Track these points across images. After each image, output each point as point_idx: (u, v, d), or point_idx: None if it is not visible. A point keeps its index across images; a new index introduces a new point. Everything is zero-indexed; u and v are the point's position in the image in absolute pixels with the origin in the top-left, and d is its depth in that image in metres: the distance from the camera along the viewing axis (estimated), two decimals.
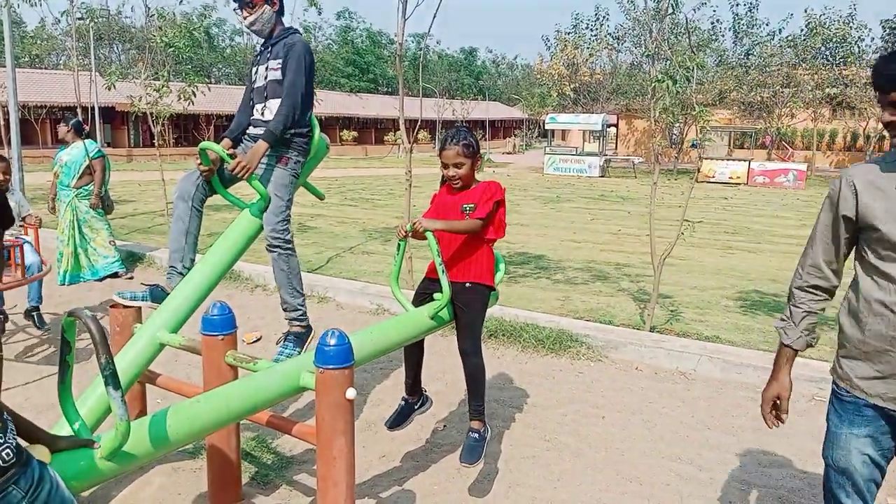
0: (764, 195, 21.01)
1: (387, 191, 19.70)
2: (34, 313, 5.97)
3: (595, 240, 11.33)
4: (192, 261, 3.56)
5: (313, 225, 12.45)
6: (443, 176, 3.45)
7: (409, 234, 3.20)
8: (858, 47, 30.40)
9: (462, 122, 22.77)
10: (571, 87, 35.01)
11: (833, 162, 35.24)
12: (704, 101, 26.97)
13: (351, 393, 2.46)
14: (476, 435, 3.26)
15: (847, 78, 28.68)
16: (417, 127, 9.41)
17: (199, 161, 3.48)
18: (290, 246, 3.60)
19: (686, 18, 6.82)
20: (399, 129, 7.59)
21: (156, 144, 10.58)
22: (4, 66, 10.60)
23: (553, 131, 31.46)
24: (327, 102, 38.35)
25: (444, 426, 4.21)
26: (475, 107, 41.43)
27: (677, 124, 26.56)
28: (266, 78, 3.64)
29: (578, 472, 3.64)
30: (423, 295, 3.38)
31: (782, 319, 2.25)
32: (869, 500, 2.11)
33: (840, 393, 2.12)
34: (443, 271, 3.14)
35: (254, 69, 3.76)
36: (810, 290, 2.19)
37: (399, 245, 3.37)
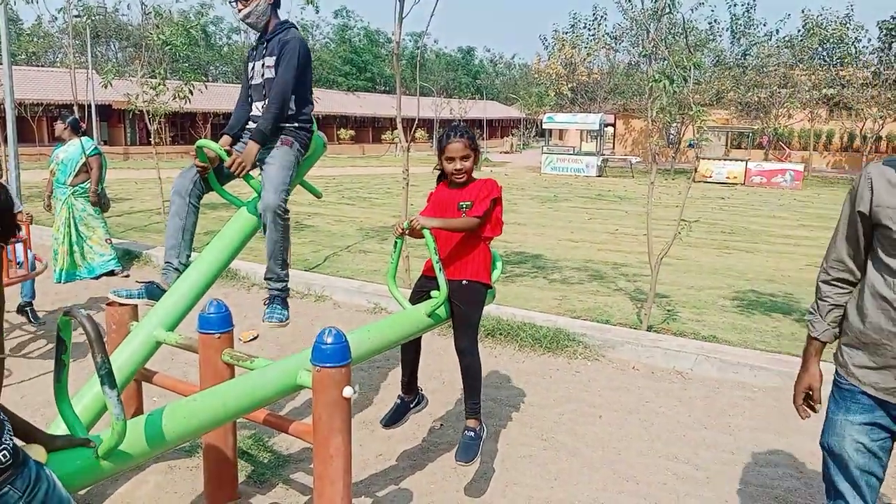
0: (761, 195, 21.04)
1: (384, 189, 19.69)
2: (27, 308, 5.98)
3: (592, 239, 11.34)
4: (189, 257, 3.55)
5: (310, 224, 12.43)
6: (439, 174, 3.45)
7: (407, 232, 3.20)
8: (855, 48, 30.45)
9: (460, 120, 22.77)
10: (569, 86, 34.99)
11: (830, 162, 35.32)
12: (702, 101, 27.01)
13: (348, 391, 2.46)
14: (472, 433, 3.25)
15: (844, 79, 28.74)
16: (415, 126, 9.42)
17: (195, 158, 3.48)
18: (287, 217, 3.55)
19: (683, 18, 6.83)
20: (396, 128, 7.58)
21: (152, 142, 10.56)
22: (1, 64, 10.57)
23: (550, 131, 31.48)
24: (324, 101, 38.31)
25: (441, 425, 4.21)
26: (473, 106, 41.43)
27: (674, 124, 26.59)
28: (263, 76, 3.63)
29: (575, 472, 3.64)
30: (421, 293, 3.38)
31: (810, 312, 2.30)
32: (865, 491, 2.12)
33: (839, 380, 2.18)
34: (440, 269, 3.14)
35: (249, 65, 3.74)
36: (835, 283, 2.22)
37: (396, 243, 3.37)
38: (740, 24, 33.79)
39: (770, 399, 4.64)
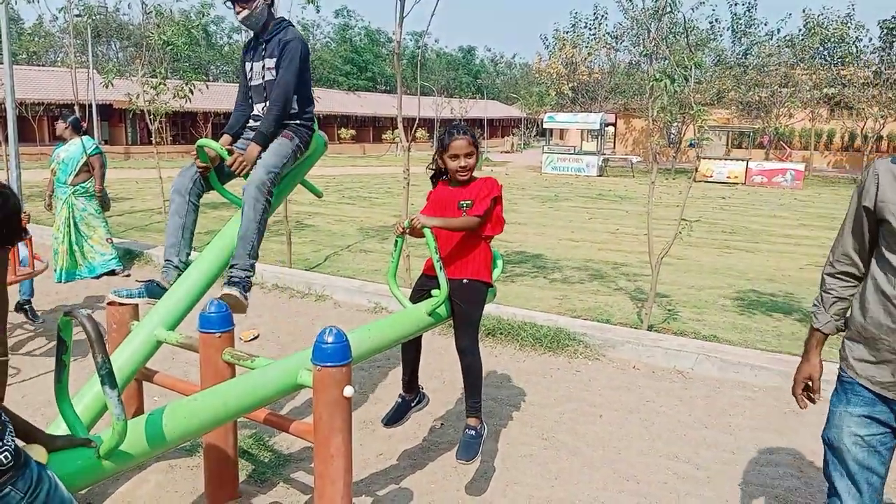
0: (762, 195, 21.03)
1: (385, 189, 19.69)
2: (26, 307, 5.99)
3: (593, 239, 11.34)
4: (189, 255, 3.55)
5: (311, 223, 12.44)
6: (434, 174, 3.45)
7: (407, 231, 3.20)
8: (856, 47, 30.43)
9: (460, 120, 22.78)
10: (570, 86, 34.99)
11: (831, 162, 35.29)
12: (702, 100, 26.98)
13: (348, 390, 2.46)
14: (473, 432, 3.26)
15: (845, 78, 28.70)
16: (416, 125, 9.41)
17: (196, 157, 3.48)
18: (269, 199, 3.43)
19: (684, 17, 6.83)
20: (397, 128, 7.58)
21: (153, 142, 10.56)
22: (2, 64, 10.57)
23: (551, 130, 31.48)
24: (325, 101, 38.32)
25: (442, 424, 4.21)
26: (473, 105, 41.45)
27: (675, 124, 26.58)
28: (263, 77, 3.63)
29: (576, 471, 3.64)
30: (421, 292, 3.38)
31: (814, 304, 2.32)
32: (864, 488, 2.11)
33: (841, 374, 2.20)
34: (440, 268, 3.14)
35: (247, 65, 3.72)
36: (840, 276, 2.24)
37: (396, 242, 3.37)
38: (741, 24, 33.75)
39: (771, 399, 4.63)
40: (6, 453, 1.64)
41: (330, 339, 2.45)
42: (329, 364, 2.44)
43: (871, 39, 31.17)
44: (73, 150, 7.22)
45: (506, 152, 44.71)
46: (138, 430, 2.23)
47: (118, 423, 2.02)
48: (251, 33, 3.72)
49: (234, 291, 3.27)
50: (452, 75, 62.66)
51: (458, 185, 3.32)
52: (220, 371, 2.92)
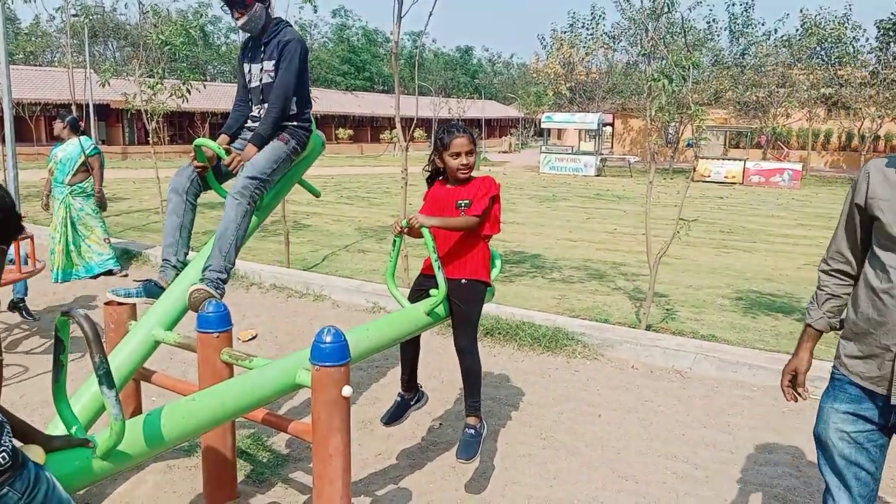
0: (759, 195, 21.06)
1: (383, 189, 19.69)
2: (20, 305, 5.98)
3: (591, 238, 11.34)
4: (186, 255, 3.54)
5: (309, 223, 12.43)
6: (432, 173, 3.44)
7: (405, 231, 3.20)
8: (853, 48, 30.49)
9: (458, 120, 22.76)
10: (567, 85, 35.02)
11: (828, 162, 35.36)
12: (700, 100, 27.01)
13: (347, 390, 2.46)
14: (472, 431, 3.25)
15: (842, 78, 28.76)
16: (414, 125, 9.41)
17: (193, 157, 3.47)
18: (253, 205, 3.38)
19: (682, 17, 6.82)
20: (395, 128, 7.57)
21: (150, 142, 10.55)
22: None
23: (549, 130, 31.48)
24: (323, 101, 38.30)
25: (440, 424, 4.20)
26: (471, 105, 41.45)
27: (673, 123, 26.60)
28: (262, 80, 3.61)
29: (574, 471, 3.64)
30: (419, 291, 3.38)
31: (810, 301, 2.35)
32: (852, 483, 2.13)
33: (833, 371, 2.24)
34: (439, 267, 3.14)
35: (245, 66, 3.70)
36: (834, 273, 2.28)
37: (395, 242, 3.36)
38: (739, 24, 33.81)
39: (769, 398, 4.64)
40: (3, 454, 1.63)
41: (328, 339, 2.44)
42: (327, 364, 2.43)
43: (867, 39, 31.25)
44: (71, 149, 7.21)
45: (503, 152, 44.73)
46: (136, 431, 2.22)
47: (116, 424, 2.01)
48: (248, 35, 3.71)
49: (204, 286, 3.15)
50: (450, 75, 62.67)
51: (455, 185, 3.32)
52: (218, 371, 2.92)
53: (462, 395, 3.40)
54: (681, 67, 5.67)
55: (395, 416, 3.53)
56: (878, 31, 29.93)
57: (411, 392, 3.56)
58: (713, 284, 7.99)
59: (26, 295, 6.03)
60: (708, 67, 31.73)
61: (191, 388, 3.12)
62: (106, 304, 3.37)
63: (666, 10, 6.19)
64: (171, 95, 9.50)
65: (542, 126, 31.03)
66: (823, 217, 15.18)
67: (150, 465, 3.53)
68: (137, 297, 3.35)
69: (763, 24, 40.30)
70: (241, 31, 3.63)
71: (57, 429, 2.46)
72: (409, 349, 3.45)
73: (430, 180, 3.48)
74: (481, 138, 42.93)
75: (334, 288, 7.15)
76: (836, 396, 2.19)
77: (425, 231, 3.12)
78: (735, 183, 24.66)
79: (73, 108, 12.59)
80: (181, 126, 36.02)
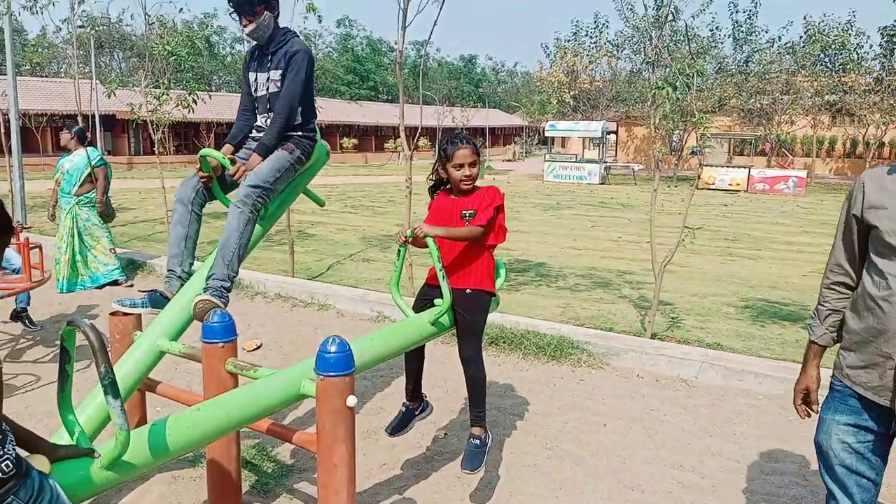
0: (764, 202, 21.02)
1: (387, 198, 19.72)
2: (23, 314, 6.00)
3: (595, 247, 11.33)
4: (192, 265, 3.55)
5: (313, 232, 12.45)
6: (433, 185, 3.45)
7: (410, 241, 3.20)
8: (857, 54, 30.45)
9: (462, 129, 22.82)
10: (571, 94, 35.09)
11: (832, 169, 35.30)
12: (704, 108, 27.04)
13: (352, 400, 2.45)
14: (477, 441, 3.25)
15: (846, 85, 28.75)
16: (418, 134, 9.42)
17: (199, 167, 3.48)
18: (256, 214, 3.39)
19: (686, 25, 6.83)
20: (399, 137, 7.59)
21: (156, 152, 10.59)
22: (5, 74, 10.63)
23: (553, 138, 31.58)
24: (327, 110, 38.45)
25: (445, 434, 4.19)
26: (475, 114, 41.56)
27: (677, 131, 26.60)
28: (268, 89, 3.63)
29: (580, 480, 3.62)
30: (424, 301, 3.38)
31: (811, 317, 2.36)
32: (854, 490, 2.15)
33: (834, 382, 2.24)
34: (443, 277, 3.14)
35: (251, 75, 3.70)
36: (834, 287, 2.28)
37: (399, 251, 3.37)
38: (742, 31, 33.82)
39: (775, 407, 4.61)
40: (7, 462, 1.63)
41: (333, 349, 2.44)
42: (332, 374, 2.43)
43: (871, 46, 31.16)
44: (78, 160, 7.24)
45: (508, 161, 44.78)
46: (141, 441, 2.22)
47: (121, 434, 2.01)
48: (254, 43, 3.73)
49: (208, 296, 3.16)
50: (454, 84, 62.89)
51: (459, 195, 3.32)
52: (222, 381, 2.92)
53: (467, 405, 3.40)
54: (685, 75, 5.67)
55: (399, 426, 3.52)
56: (882, 38, 29.87)
57: (416, 402, 3.55)
58: (718, 292, 7.97)
59: (29, 304, 6.05)
60: (712, 75, 31.76)
61: (195, 398, 3.12)
62: (111, 314, 3.37)
63: (671, 18, 6.19)
64: (177, 106, 9.54)
65: (546, 134, 31.11)
66: (828, 224, 15.13)
67: (155, 475, 3.52)
68: (143, 307, 3.36)
69: (767, 32, 40.27)
70: (248, 38, 3.64)
71: (62, 439, 2.46)
72: (414, 359, 3.45)
73: (433, 190, 3.48)
74: (485, 147, 43.00)
75: (339, 297, 7.15)
76: (836, 408, 2.19)
77: (430, 241, 3.12)
78: (739, 190, 24.62)
79: (80, 118, 12.66)
80: (186, 136, 36.17)
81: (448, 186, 3.39)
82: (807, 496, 3.49)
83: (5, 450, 1.65)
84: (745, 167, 25.81)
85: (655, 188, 6.17)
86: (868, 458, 2.13)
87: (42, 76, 39.21)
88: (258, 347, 5.80)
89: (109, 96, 10.34)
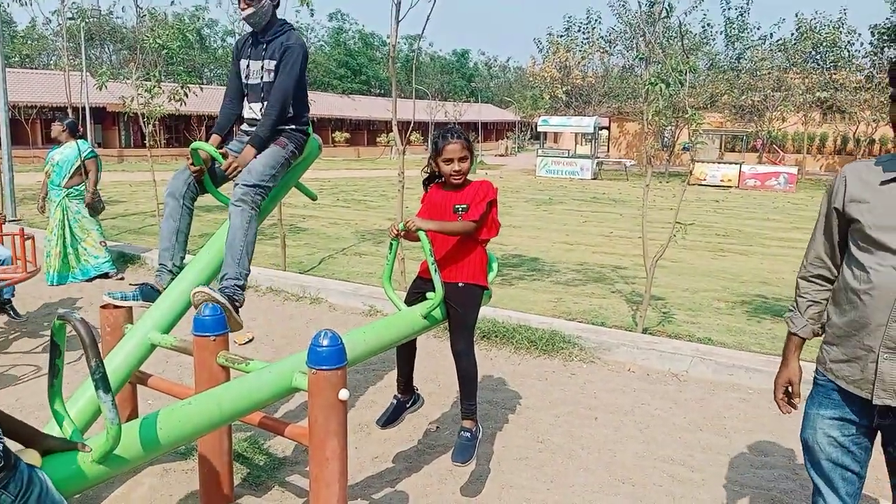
0: (755, 198, 21.11)
1: (379, 192, 19.69)
2: (7, 306, 5.97)
3: (587, 242, 11.35)
4: (183, 259, 3.54)
5: (305, 226, 12.42)
6: (427, 178, 3.45)
7: (402, 234, 3.20)
8: (848, 52, 30.56)
9: (455, 123, 22.74)
10: (563, 89, 35.08)
11: (823, 165, 35.46)
12: (696, 104, 27.07)
13: (344, 394, 2.46)
14: (468, 434, 3.25)
15: (837, 82, 28.85)
16: (410, 128, 9.41)
17: (190, 161, 3.47)
18: (257, 210, 3.41)
19: (680, 22, 6.85)
20: (392, 131, 7.58)
21: (147, 145, 10.53)
22: None
23: (545, 134, 31.53)
24: (319, 104, 38.28)
25: (437, 427, 4.20)
26: (468, 109, 41.49)
27: (669, 127, 26.63)
28: (262, 78, 3.61)
29: (571, 474, 3.64)
30: (416, 294, 3.38)
31: (790, 309, 2.36)
32: (839, 484, 2.18)
33: (817, 377, 2.25)
34: (435, 270, 3.14)
35: (243, 62, 3.67)
36: (813, 280, 2.29)
37: (391, 245, 3.37)
38: (734, 28, 33.89)
39: (765, 401, 4.64)
40: None
41: (325, 343, 2.44)
42: (324, 367, 2.43)
43: (862, 44, 31.31)
44: (68, 152, 7.21)
45: (500, 156, 44.76)
46: (132, 435, 2.22)
47: (112, 428, 2.01)
48: (247, 31, 3.71)
49: (221, 298, 3.18)
50: (447, 79, 62.73)
51: (452, 189, 3.32)
52: (214, 374, 2.92)
53: (459, 398, 3.40)
54: (678, 72, 5.69)
55: (391, 418, 3.53)
56: (873, 36, 30.00)
57: (407, 395, 3.56)
58: (709, 287, 8.00)
59: (13, 296, 6.02)
60: (704, 71, 31.82)
61: (187, 391, 3.11)
62: (102, 307, 3.36)
63: (664, 14, 6.20)
64: (170, 100, 9.49)
65: (539, 130, 31.07)
66: None
67: (146, 468, 3.51)
68: (134, 300, 3.35)
69: (759, 29, 40.34)
70: (244, 22, 3.62)
71: (52, 432, 2.45)
72: (406, 352, 3.45)
73: (427, 183, 3.48)
74: (478, 142, 42.96)
75: (331, 291, 7.14)
76: (821, 403, 2.21)
77: (422, 234, 3.12)
78: (731, 186, 24.72)
79: (70, 111, 12.58)
80: (177, 129, 35.95)
81: (442, 179, 3.39)
82: (796, 489, 3.52)
83: None
84: (736, 163, 25.91)
85: (647, 184, 6.19)
86: (852, 451, 2.15)
87: (32, 68, 38.88)
88: (250, 341, 5.79)
89: (100, 89, 10.28)
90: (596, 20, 35.60)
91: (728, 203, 19.17)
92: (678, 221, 5.97)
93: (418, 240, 3.16)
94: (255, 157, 3.46)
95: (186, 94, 9.63)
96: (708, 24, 34.16)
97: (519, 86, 52.61)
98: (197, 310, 3.04)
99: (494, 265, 3.60)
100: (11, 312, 6.01)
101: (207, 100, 32.78)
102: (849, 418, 2.14)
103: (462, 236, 3.26)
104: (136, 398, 3.58)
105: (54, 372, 2.03)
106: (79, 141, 7.28)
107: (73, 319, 1.90)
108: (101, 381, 1.95)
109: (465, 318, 3.25)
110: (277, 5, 3.65)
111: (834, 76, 29.19)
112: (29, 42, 41.03)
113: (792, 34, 31.32)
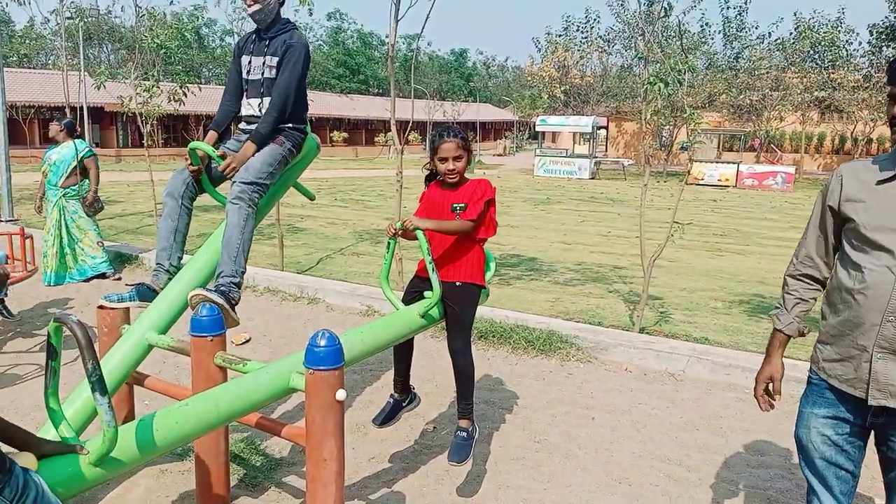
0: (752, 198, 21.12)
1: (377, 192, 19.68)
2: None
3: (585, 241, 11.36)
4: (180, 259, 3.54)
5: (303, 226, 12.42)
6: (428, 175, 3.45)
7: (399, 233, 3.20)
8: (846, 51, 30.62)
9: (453, 123, 22.72)
10: (562, 89, 35.10)
11: (821, 165, 35.50)
12: (694, 103, 27.09)
13: (341, 394, 2.45)
14: (464, 434, 3.26)
15: (835, 81, 28.90)
16: (408, 128, 9.41)
17: (188, 160, 3.47)
18: (254, 208, 3.40)
19: (679, 22, 6.85)
20: (390, 131, 7.58)
21: (145, 145, 10.52)
22: None
23: (543, 133, 31.53)
24: (318, 103, 38.27)
25: (434, 428, 4.20)
26: (466, 108, 41.46)
27: (667, 127, 26.67)
28: (263, 74, 3.61)
29: (568, 473, 3.64)
30: (414, 293, 3.38)
31: (776, 306, 2.38)
32: (833, 482, 2.19)
33: (811, 376, 2.26)
34: (433, 269, 3.14)
35: (245, 58, 3.67)
36: (802, 278, 2.31)
37: (389, 244, 3.36)
38: (733, 27, 33.92)
39: None
40: None
41: (322, 343, 2.44)
42: (322, 367, 2.43)
43: (860, 43, 31.40)
44: (65, 152, 7.20)
45: (498, 155, 44.76)
46: (129, 437, 2.22)
47: (109, 430, 2.00)
48: (250, 29, 3.72)
49: (218, 299, 3.18)
50: (445, 78, 62.72)
51: (450, 188, 3.32)
52: (211, 375, 2.91)
53: (456, 398, 3.41)
54: (676, 71, 5.69)
55: (387, 417, 3.53)
56: (871, 35, 30.04)
57: (404, 394, 3.56)
58: (707, 287, 8.01)
59: (6, 295, 6.00)
60: (702, 71, 31.84)
61: (184, 392, 3.11)
62: (99, 307, 3.36)
63: (663, 14, 6.20)
64: (170, 101, 9.49)
65: (537, 129, 31.07)
66: None
67: (143, 469, 3.51)
68: (130, 301, 3.35)
69: (757, 28, 40.42)
70: (250, 19, 3.62)
71: (48, 434, 2.45)
72: (403, 352, 3.45)
73: (428, 180, 3.49)
74: (476, 141, 42.95)
75: (328, 291, 7.14)
76: (814, 401, 2.22)
77: (419, 233, 3.12)
78: (728, 186, 24.74)
79: (67, 110, 12.56)
80: (175, 129, 35.91)
81: (441, 177, 3.39)
82: (792, 489, 3.52)
83: None
84: (734, 163, 25.94)
85: (645, 183, 6.19)
86: (846, 449, 2.16)
87: (30, 68, 38.82)
88: (247, 341, 5.79)
89: (98, 88, 10.27)
90: (595, 19, 35.68)
91: (726, 202, 19.18)
92: (676, 221, 5.97)
93: (416, 239, 3.16)
94: (254, 153, 3.46)
95: (185, 94, 9.63)
96: (706, 24, 34.21)
97: (517, 85, 52.61)
98: (194, 311, 3.04)
99: (492, 264, 3.60)
100: (4, 312, 5.99)
101: (206, 99, 32.75)
102: (842, 417, 2.14)
103: (460, 235, 3.26)
104: (132, 399, 3.58)
105: (51, 374, 2.02)
106: (76, 141, 7.27)
107: (69, 322, 1.90)
108: (98, 384, 1.95)
109: (462, 316, 3.26)
110: (283, 3, 3.66)
111: (832, 75, 29.24)
112: (27, 41, 40.94)
113: (790, 33, 31.39)
